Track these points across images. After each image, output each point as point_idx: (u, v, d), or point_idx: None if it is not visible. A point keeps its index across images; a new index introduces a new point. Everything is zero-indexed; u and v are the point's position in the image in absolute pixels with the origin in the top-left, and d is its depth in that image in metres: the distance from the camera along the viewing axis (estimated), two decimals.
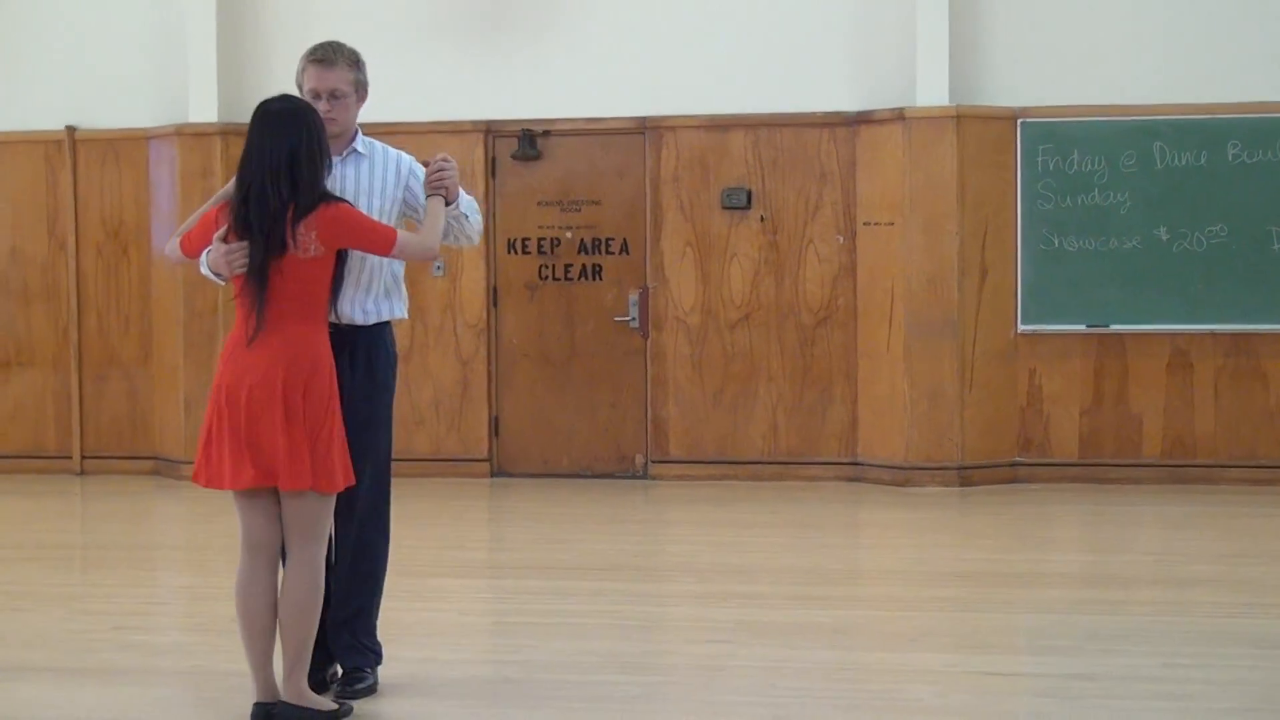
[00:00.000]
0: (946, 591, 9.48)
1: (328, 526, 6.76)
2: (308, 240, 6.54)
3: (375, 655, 7.21)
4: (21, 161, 14.65)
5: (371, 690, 7.08)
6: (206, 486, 6.67)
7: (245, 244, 6.57)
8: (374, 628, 7.22)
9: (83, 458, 14.64)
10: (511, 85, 14.02)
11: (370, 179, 7.07)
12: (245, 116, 13.88)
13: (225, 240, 6.63)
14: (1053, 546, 11.45)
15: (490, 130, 14.04)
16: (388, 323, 7.15)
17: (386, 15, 14.15)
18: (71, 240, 14.57)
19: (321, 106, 6.91)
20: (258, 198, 6.54)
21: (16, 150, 14.65)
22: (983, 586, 9.62)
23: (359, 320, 7.00)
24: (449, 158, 7.08)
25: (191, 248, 6.88)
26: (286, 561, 6.70)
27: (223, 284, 6.82)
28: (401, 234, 6.77)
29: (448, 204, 7.03)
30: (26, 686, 7.41)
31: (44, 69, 14.64)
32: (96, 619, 8.90)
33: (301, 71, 7.08)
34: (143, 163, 14.43)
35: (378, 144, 7.21)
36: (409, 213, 7.17)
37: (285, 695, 6.63)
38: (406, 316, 7.31)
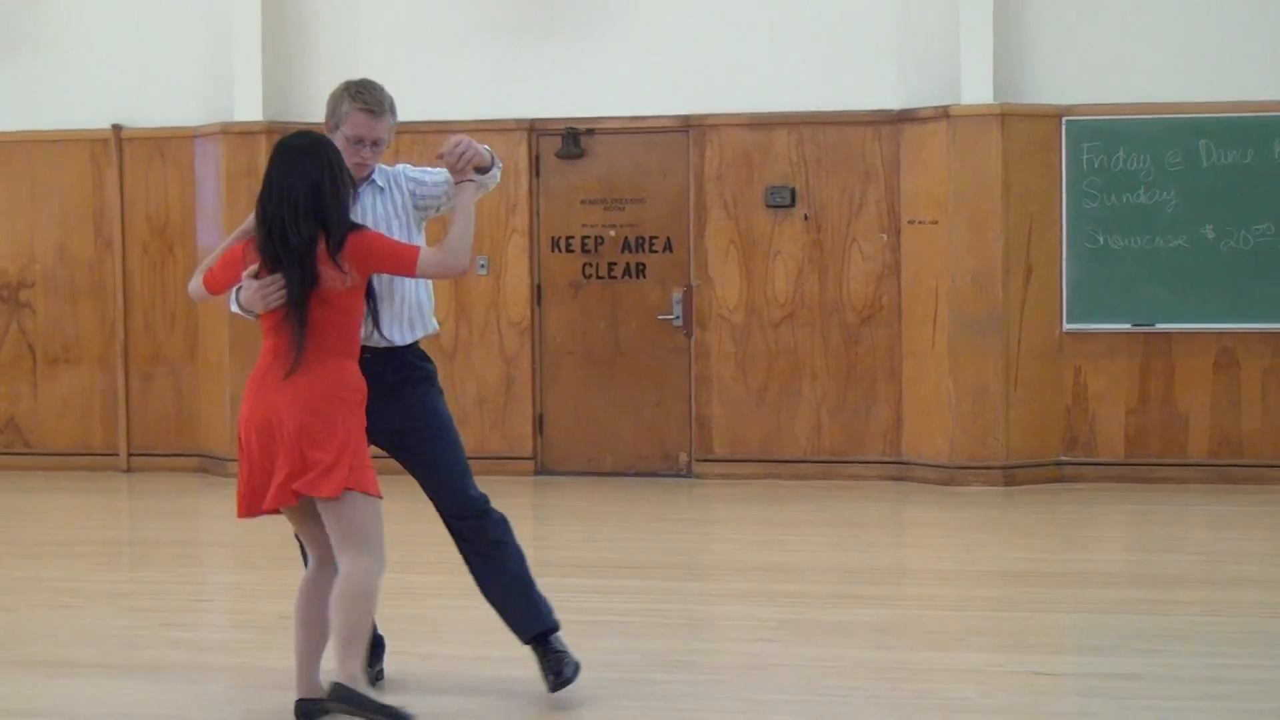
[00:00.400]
0: (991, 591, 9.46)
1: (374, 533, 6.77)
2: (342, 271, 6.57)
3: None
4: (68, 160, 14.73)
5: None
6: (248, 517, 6.74)
7: (279, 277, 6.58)
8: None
9: (129, 455, 14.71)
10: (556, 83, 14.04)
11: (389, 207, 7.09)
12: (290, 115, 14.10)
13: (257, 276, 6.64)
14: (1098, 546, 11.41)
15: (534, 128, 14.06)
16: (418, 340, 7.18)
17: (431, 14, 14.18)
18: (118, 238, 14.63)
19: (363, 153, 6.93)
20: (280, 234, 6.56)
21: (63, 149, 14.72)
22: (1028, 586, 9.59)
23: (397, 341, 7.03)
24: (461, 137, 7.02)
25: (216, 284, 6.87)
26: (340, 566, 6.72)
27: (254, 319, 6.81)
28: (423, 252, 6.75)
29: (483, 171, 7.01)
30: (75, 682, 7.46)
31: (90, 68, 14.71)
32: (144, 615, 8.95)
33: (345, 112, 6.97)
34: (188, 161, 14.49)
35: (386, 169, 7.21)
36: (423, 216, 7.19)
37: (338, 679, 6.65)
38: (439, 329, 7.35)
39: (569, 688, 7.05)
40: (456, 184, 6.97)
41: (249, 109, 14.10)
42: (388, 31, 14.21)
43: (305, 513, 6.70)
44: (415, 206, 7.15)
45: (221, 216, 13.99)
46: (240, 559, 11.16)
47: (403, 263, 6.71)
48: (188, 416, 14.64)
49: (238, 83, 14.16)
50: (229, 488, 13.55)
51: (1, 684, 7.40)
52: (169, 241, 14.59)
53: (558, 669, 7.07)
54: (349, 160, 6.79)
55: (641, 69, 13.96)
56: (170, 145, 14.54)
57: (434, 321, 7.27)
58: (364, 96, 6.98)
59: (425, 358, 7.20)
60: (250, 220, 6.73)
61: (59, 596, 9.43)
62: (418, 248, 6.80)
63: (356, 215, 6.83)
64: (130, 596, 9.66)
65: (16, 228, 14.84)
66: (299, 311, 6.55)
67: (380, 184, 7.10)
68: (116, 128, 14.58)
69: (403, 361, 7.07)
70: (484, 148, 7.06)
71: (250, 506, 6.68)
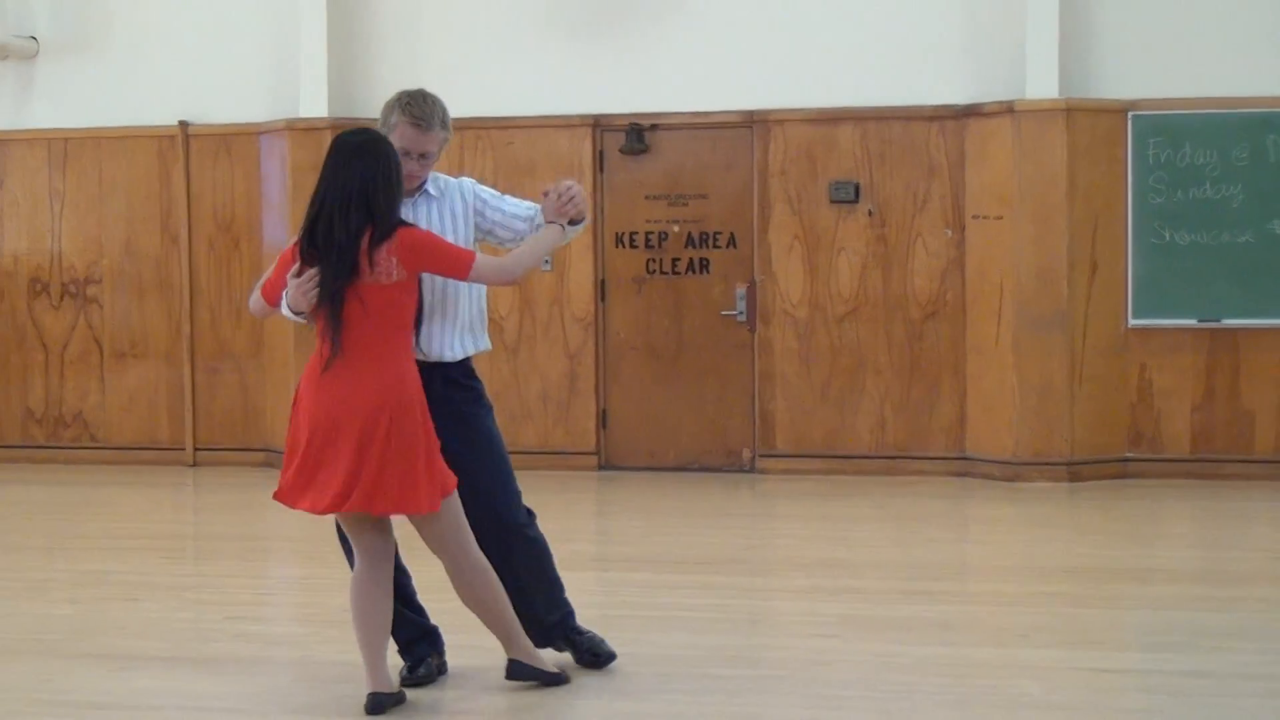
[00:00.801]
0: (1055, 587, 9.43)
1: (459, 530, 6.85)
2: (389, 265, 6.59)
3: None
4: (136, 156, 14.83)
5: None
6: (282, 502, 6.85)
7: (316, 272, 6.63)
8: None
9: (195, 449, 14.80)
10: (620, 79, 14.05)
11: (442, 217, 7.10)
12: (356, 111, 14.16)
13: (298, 275, 6.70)
14: (1163, 543, 11.36)
15: (598, 124, 14.07)
16: (470, 357, 7.21)
17: (496, 10, 14.20)
18: (184, 234, 14.72)
19: (411, 165, 6.95)
20: (325, 225, 6.62)
21: (131, 145, 14.82)
22: (1092, 582, 9.56)
23: (447, 356, 7.05)
24: (573, 182, 7.15)
25: (273, 294, 6.91)
26: (445, 566, 6.91)
27: (305, 322, 6.85)
28: (480, 257, 6.81)
29: (574, 223, 7.16)
30: (141, 675, 7.51)
31: (158, 65, 14.81)
32: (209, 609, 9.01)
33: (394, 123, 6.99)
34: (254, 157, 14.57)
35: (442, 177, 7.22)
36: (481, 236, 7.21)
37: (514, 655, 7.03)
38: (490, 348, 7.37)
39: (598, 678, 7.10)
40: (547, 223, 7.09)
41: (314, 105, 14.17)
42: (452, 28, 14.25)
43: (360, 517, 6.76)
44: (479, 225, 7.17)
45: (287, 212, 14.06)
46: (304, 553, 11.20)
47: (457, 264, 6.74)
48: (253, 411, 14.72)
49: (303, 80, 14.23)
50: None
51: (69, 676, 7.46)
52: (235, 237, 14.67)
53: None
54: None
55: (705, 64, 13.96)
56: (236, 142, 14.62)
57: (487, 339, 7.28)
58: (413, 109, 6.99)
59: (474, 375, 7.21)
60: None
61: (125, 590, 9.49)
62: (474, 252, 6.84)
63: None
64: (196, 590, 9.72)
65: (85, 224, 14.95)
66: (332, 304, 6.59)
67: (434, 193, 7.12)
68: (183, 124, 14.67)
69: (452, 379, 7.09)
70: (579, 194, 7.15)
71: (292, 497, 6.75)
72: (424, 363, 6.91)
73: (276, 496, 6.88)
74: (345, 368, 6.63)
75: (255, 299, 7.03)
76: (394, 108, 7.00)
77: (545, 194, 7.11)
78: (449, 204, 7.13)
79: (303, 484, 6.75)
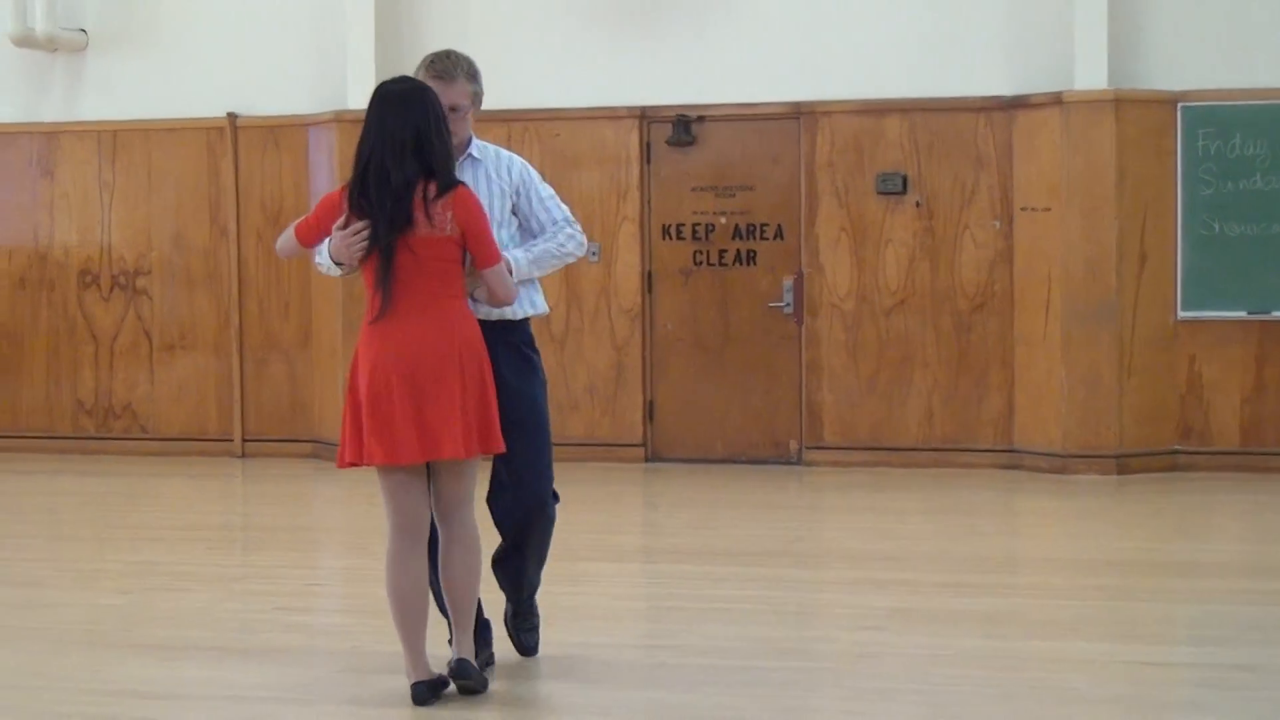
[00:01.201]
0: (1103, 580, 9.40)
1: (473, 496, 6.89)
2: (444, 219, 6.58)
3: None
4: (184, 148, 14.88)
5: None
6: (354, 465, 6.72)
7: (366, 224, 6.60)
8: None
9: (244, 440, 14.86)
10: (667, 71, 14.04)
11: (486, 183, 7.11)
12: None
13: (345, 225, 6.67)
14: (1212, 536, 11.32)
15: (645, 116, 14.07)
16: (528, 319, 7.21)
17: (543, 2, 14.21)
18: (233, 226, 14.78)
19: (456, 123, 6.96)
20: (377, 173, 6.57)
21: (180, 137, 14.88)
22: (1140, 576, 9.53)
23: (508, 314, 7.05)
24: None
25: (310, 234, 6.87)
26: (449, 530, 6.82)
27: (340, 274, 6.85)
28: (500, 265, 6.79)
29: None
30: (190, 665, 7.54)
31: (206, 57, 14.86)
32: (257, 599, 9.04)
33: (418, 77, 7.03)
34: (302, 149, 14.61)
35: (490, 147, 7.25)
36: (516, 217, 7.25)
37: (463, 654, 6.83)
38: (548, 311, 7.37)
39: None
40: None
41: (362, 97, 14.07)
42: (499, 20, 14.26)
43: (413, 480, 6.73)
44: (515, 206, 7.20)
45: None
46: (352, 544, 11.25)
47: (491, 251, 6.73)
48: (301, 402, 14.77)
49: (351, 71, 14.25)
50: (342, 473, 13.70)
51: (118, 666, 7.50)
52: (283, 229, 14.66)
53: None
54: None
55: (752, 56, 13.94)
56: (284, 133, 14.66)
57: (544, 302, 7.30)
58: (435, 65, 7.03)
59: (534, 345, 7.22)
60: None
61: (174, 580, 9.54)
62: (501, 255, 6.83)
63: None
64: (244, 580, 9.76)
65: (134, 216, 15.02)
66: (384, 256, 6.57)
67: (477, 156, 7.15)
68: (232, 116, 14.72)
69: (513, 344, 7.10)
70: (518, 255, 7.13)
71: (361, 455, 6.69)
72: (485, 322, 6.89)
73: (342, 460, 6.76)
74: (398, 320, 6.60)
75: (286, 238, 6.99)
76: (419, 68, 7.06)
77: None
78: (492, 171, 7.16)
79: (373, 441, 6.62)
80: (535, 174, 7.28)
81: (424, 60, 7.10)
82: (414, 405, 6.57)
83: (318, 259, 6.92)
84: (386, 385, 6.59)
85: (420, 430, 6.57)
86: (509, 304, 6.94)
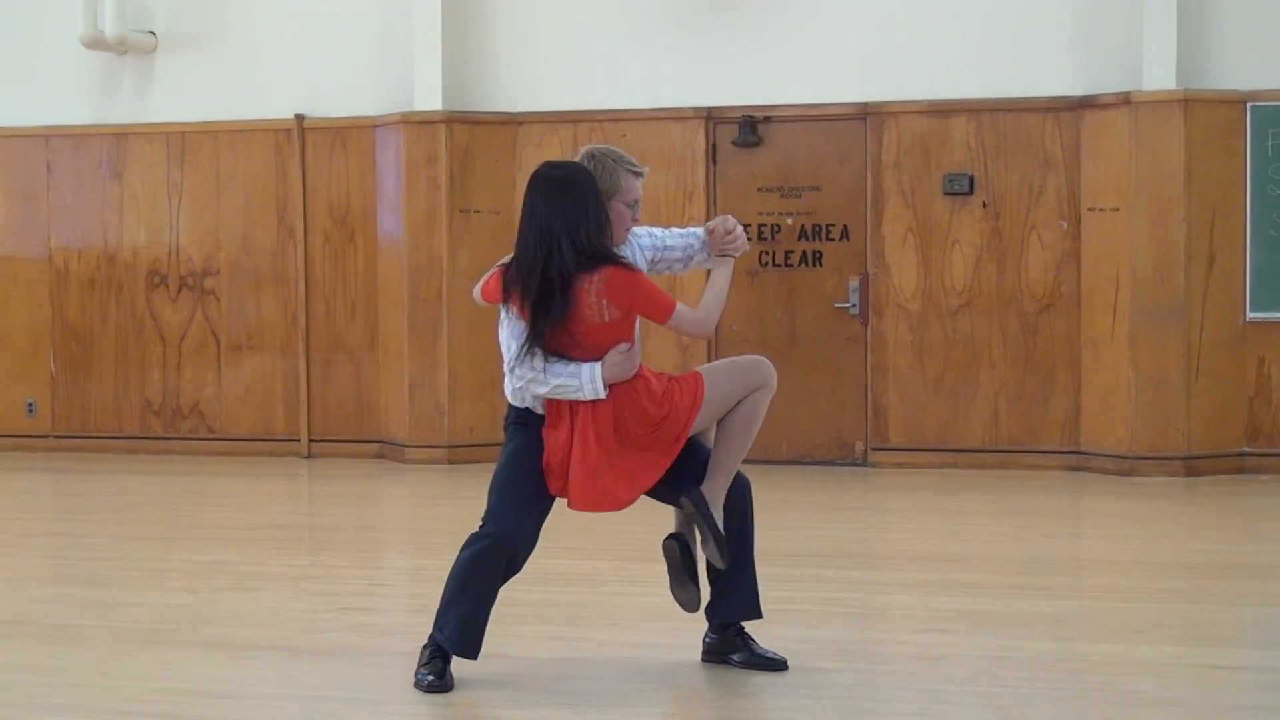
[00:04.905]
0: (1171, 583, 9.35)
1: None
2: (599, 306, 6.70)
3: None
4: (252, 150, 14.96)
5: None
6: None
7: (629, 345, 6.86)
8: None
9: (310, 441, 14.92)
10: (733, 71, 14.04)
11: (633, 252, 7.26)
12: (469, 104, 14.20)
13: (521, 314, 6.83)
14: None
15: (711, 116, 14.07)
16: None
17: (609, 3, 14.22)
18: (300, 227, 14.84)
19: (634, 217, 7.11)
20: (540, 265, 6.71)
21: (248, 139, 14.96)
22: (1208, 578, 9.47)
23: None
24: (730, 217, 7.40)
25: (490, 297, 7.02)
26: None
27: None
28: (680, 305, 6.95)
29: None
30: (257, 664, 7.57)
31: (273, 58, 14.94)
32: (323, 599, 9.07)
33: (619, 182, 7.06)
34: (369, 150, 14.66)
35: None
36: (655, 269, 7.40)
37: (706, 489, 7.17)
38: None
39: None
40: (716, 257, 7.34)
41: (429, 98, 14.23)
42: (565, 21, 14.28)
43: None
44: (650, 267, 7.35)
45: (401, 205, 14.15)
46: (418, 544, 11.29)
47: (661, 309, 6.88)
48: (367, 403, 14.82)
49: (418, 73, 14.30)
50: (407, 473, 13.80)
51: (186, 665, 7.54)
52: (350, 230, 14.77)
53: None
54: (623, 225, 7.03)
55: (818, 56, 13.93)
56: (351, 134, 14.72)
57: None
58: (630, 163, 7.12)
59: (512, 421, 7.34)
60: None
61: (241, 580, 9.58)
62: (675, 300, 6.96)
63: None
64: (310, 580, 9.80)
65: (202, 217, 15.11)
66: (537, 341, 6.75)
67: (631, 240, 7.30)
68: (299, 117, 14.78)
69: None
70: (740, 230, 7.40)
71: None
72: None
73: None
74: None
75: (477, 291, 7.17)
76: (609, 166, 7.05)
77: (710, 231, 7.32)
78: (633, 254, 7.27)
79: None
80: (643, 233, 7.38)
81: (606, 155, 7.11)
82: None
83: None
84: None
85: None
86: (708, 335, 7.13)
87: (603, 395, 6.84)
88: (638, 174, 7.11)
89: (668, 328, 7.03)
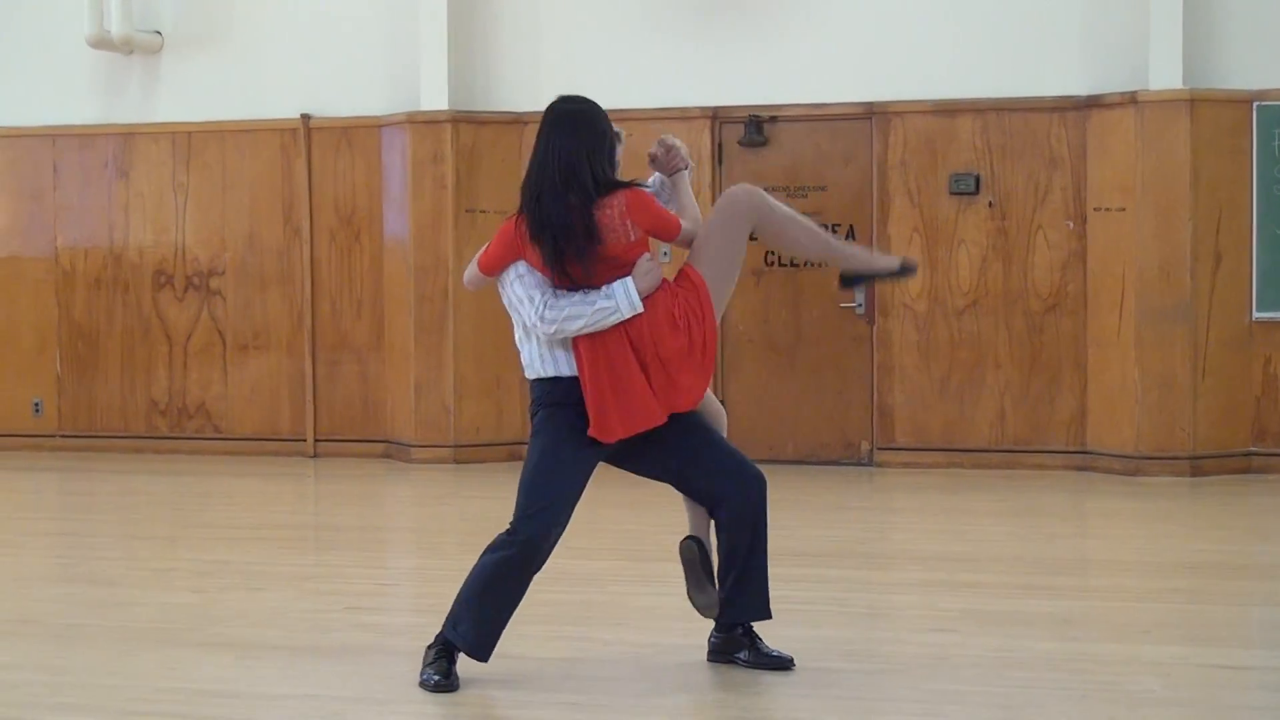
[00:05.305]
0: (1177, 583, 9.34)
1: None
2: (624, 226, 6.82)
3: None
4: (258, 150, 14.97)
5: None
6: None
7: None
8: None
9: (316, 440, 14.93)
10: (738, 71, 14.04)
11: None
12: (476, 104, 14.19)
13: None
14: None
15: (717, 116, 14.07)
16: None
17: (614, 3, 14.23)
18: (306, 226, 14.85)
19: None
20: (550, 197, 6.82)
21: (254, 138, 14.96)
22: (1214, 578, 9.46)
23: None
24: (669, 135, 7.51)
25: (491, 263, 7.03)
26: None
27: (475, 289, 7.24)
28: (683, 222, 7.07)
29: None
30: (262, 663, 7.57)
31: (279, 58, 14.95)
32: (329, 599, 9.07)
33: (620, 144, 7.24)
34: (375, 150, 14.66)
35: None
36: None
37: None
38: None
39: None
40: (670, 177, 7.38)
41: (435, 98, 14.23)
42: (571, 20, 14.28)
43: None
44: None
45: (407, 204, 14.16)
46: (424, 544, 11.29)
47: (672, 226, 7.00)
48: (373, 403, 14.83)
49: (424, 72, 14.30)
50: (413, 473, 13.81)
51: (192, 665, 7.54)
52: (356, 229, 14.78)
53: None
54: None
55: (824, 56, 13.92)
56: (357, 134, 14.72)
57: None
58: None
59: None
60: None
61: (247, 579, 9.58)
62: (677, 217, 7.09)
63: None
64: (316, 580, 9.80)
65: (208, 216, 15.11)
66: (565, 276, 6.81)
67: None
68: (305, 117, 14.79)
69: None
70: (678, 142, 7.48)
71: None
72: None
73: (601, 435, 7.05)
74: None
75: (470, 272, 7.17)
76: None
77: (652, 157, 7.44)
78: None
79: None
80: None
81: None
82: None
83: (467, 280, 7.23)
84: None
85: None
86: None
87: (640, 308, 6.87)
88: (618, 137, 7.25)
89: (675, 244, 7.14)
